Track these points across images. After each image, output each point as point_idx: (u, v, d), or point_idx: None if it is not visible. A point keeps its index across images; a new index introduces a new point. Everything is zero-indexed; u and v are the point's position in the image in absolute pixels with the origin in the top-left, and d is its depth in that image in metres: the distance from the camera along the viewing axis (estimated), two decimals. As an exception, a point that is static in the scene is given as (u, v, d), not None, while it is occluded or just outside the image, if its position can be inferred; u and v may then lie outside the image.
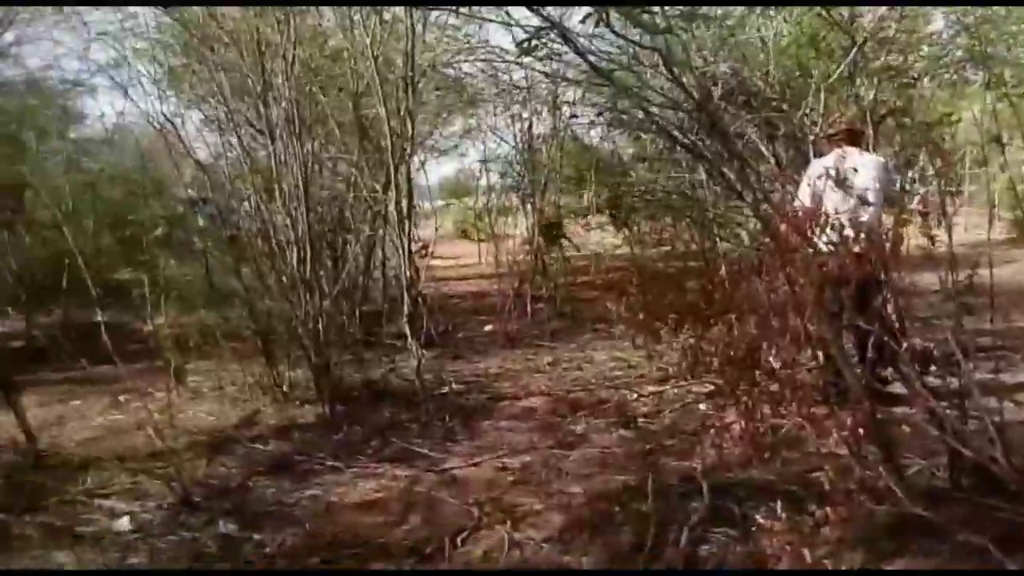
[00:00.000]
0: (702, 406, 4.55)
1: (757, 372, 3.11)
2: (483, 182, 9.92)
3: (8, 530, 3.18)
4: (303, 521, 3.33)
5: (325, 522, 3.33)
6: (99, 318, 4.43)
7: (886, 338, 2.80)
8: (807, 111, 5.85)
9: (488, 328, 7.80)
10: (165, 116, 5.75)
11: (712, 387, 4.30)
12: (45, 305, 7.48)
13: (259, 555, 3.03)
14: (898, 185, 4.60)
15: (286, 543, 3.11)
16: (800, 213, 3.21)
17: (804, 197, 4.17)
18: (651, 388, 5.08)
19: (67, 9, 7.20)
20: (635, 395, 4.99)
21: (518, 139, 9.07)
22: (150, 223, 8.18)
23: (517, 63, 7.51)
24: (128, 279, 6.95)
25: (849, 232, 2.98)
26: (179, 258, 7.55)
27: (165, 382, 4.69)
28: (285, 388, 5.22)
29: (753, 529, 2.87)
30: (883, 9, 5.75)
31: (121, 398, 5.01)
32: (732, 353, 3.20)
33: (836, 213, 3.03)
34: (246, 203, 5.67)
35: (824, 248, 2.98)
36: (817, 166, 4.32)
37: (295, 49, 5.16)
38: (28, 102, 8.58)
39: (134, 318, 5.82)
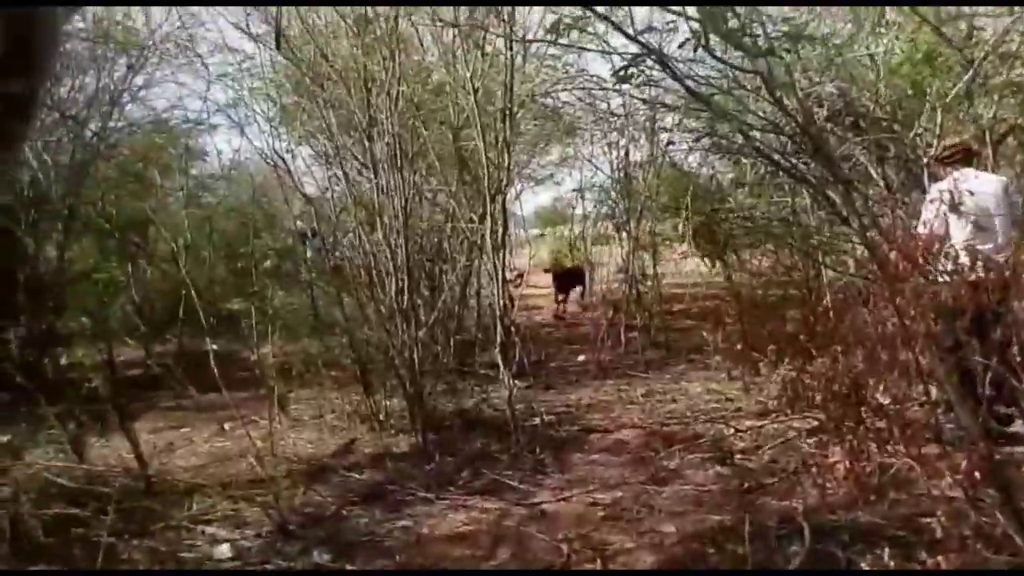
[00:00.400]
0: (804, 443, 4.31)
1: (863, 408, 2.93)
2: (578, 211, 9.91)
3: (117, 554, 3.32)
4: (394, 552, 3.35)
5: (416, 554, 3.34)
6: (209, 347, 4.65)
7: (1006, 373, 2.59)
8: (920, 131, 5.54)
9: (581, 358, 7.73)
10: (277, 152, 6.01)
11: (814, 423, 4.08)
12: (162, 335, 7.93)
13: (349, 585, 3.06)
14: (1020, 208, 4.27)
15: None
16: (912, 240, 3.03)
17: (921, 224, 3.94)
18: (749, 423, 4.86)
19: (190, 52, 7.71)
20: (732, 430, 4.79)
21: (614, 167, 9.04)
22: (260, 255, 8.58)
23: (615, 90, 7.50)
24: (238, 309, 7.30)
25: (964, 259, 2.78)
26: (286, 288, 7.90)
27: (268, 410, 4.87)
28: (381, 417, 5.31)
29: (859, 577, 2.68)
30: (1007, 21, 5.40)
31: (227, 425, 5.22)
32: (836, 388, 3.03)
33: (964, 240, 2.84)
34: (350, 235, 5.86)
35: (940, 277, 2.79)
36: (934, 190, 4.07)
37: (399, 85, 5.33)
38: (155, 141, 9.23)
39: (243, 347, 6.09)
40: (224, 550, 3.42)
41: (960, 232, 3.79)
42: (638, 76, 4.40)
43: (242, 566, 3.28)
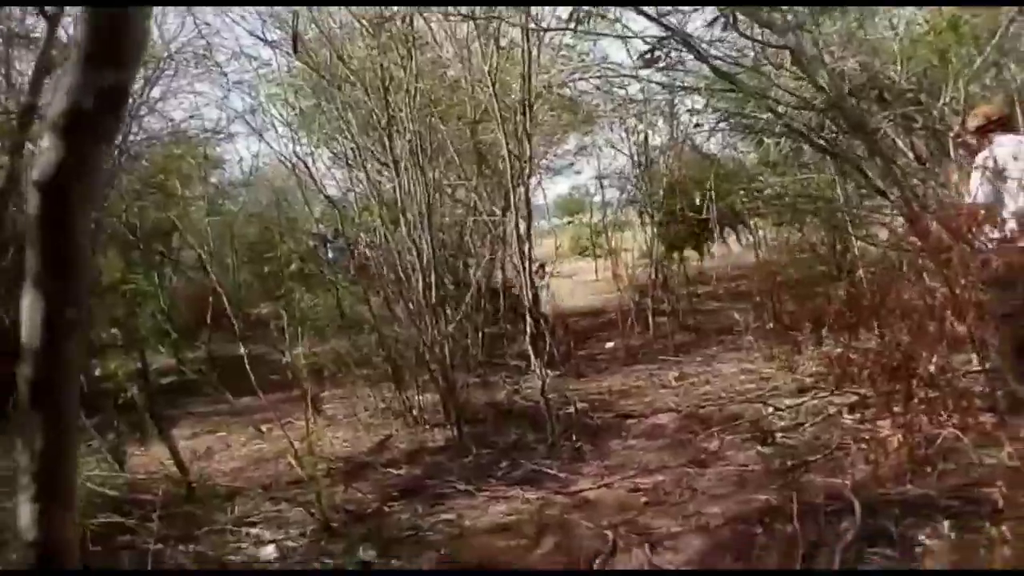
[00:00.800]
0: (845, 419, 4.23)
1: (914, 380, 2.87)
2: (598, 198, 9.86)
3: (164, 560, 3.34)
4: (439, 546, 3.34)
5: (461, 546, 3.32)
6: (241, 351, 4.65)
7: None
8: (947, 101, 5.43)
9: (610, 345, 7.66)
10: (297, 156, 5.98)
11: (854, 398, 4.00)
12: (192, 341, 7.97)
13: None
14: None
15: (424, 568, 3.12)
16: (955, 210, 2.97)
17: (968, 194, 3.84)
18: (787, 401, 4.77)
19: (207, 61, 7.71)
20: (770, 408, 4.70)
21: (634, 153, 8.97)
22: (285, 259, 8.59)
23: (632, 76, 7.42)
24: (267, 312, 7.31)
25: (1012, 225, 2.71)
26: (312, 290, 7.90)
27: (303, 411, 4.87)
28: (415, 412, 5.30)
29: (918, 549, 2.62)
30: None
31: (263, 428, 5.23)
32: (885, 361, 2.97)
33: (1017, 206, 2.76)
34: (373, 234, 5.85)
35: (986, 245, 2.72)
36: (980, 159, 3.96)
37: (417, 82, 5.30)
38: (173, 152, 9.25)
39: (270, 350, 6.09)
40: (270, 551, 3.43)
41: (1012, 199, 3.67)
42: (662, 60, 4.35)
43: (289, 566, 3.28)
